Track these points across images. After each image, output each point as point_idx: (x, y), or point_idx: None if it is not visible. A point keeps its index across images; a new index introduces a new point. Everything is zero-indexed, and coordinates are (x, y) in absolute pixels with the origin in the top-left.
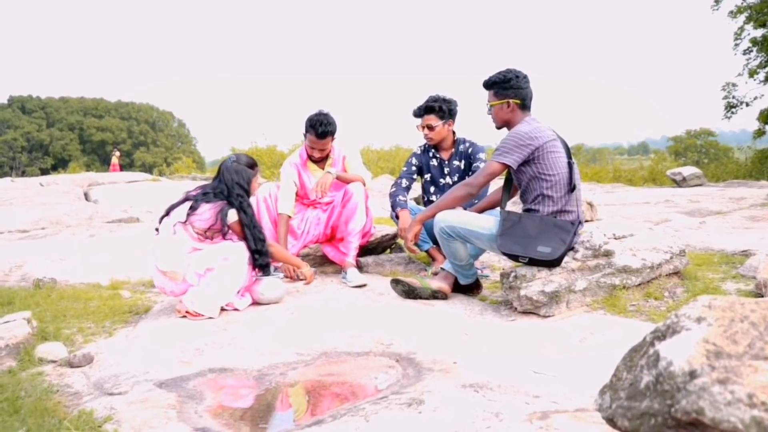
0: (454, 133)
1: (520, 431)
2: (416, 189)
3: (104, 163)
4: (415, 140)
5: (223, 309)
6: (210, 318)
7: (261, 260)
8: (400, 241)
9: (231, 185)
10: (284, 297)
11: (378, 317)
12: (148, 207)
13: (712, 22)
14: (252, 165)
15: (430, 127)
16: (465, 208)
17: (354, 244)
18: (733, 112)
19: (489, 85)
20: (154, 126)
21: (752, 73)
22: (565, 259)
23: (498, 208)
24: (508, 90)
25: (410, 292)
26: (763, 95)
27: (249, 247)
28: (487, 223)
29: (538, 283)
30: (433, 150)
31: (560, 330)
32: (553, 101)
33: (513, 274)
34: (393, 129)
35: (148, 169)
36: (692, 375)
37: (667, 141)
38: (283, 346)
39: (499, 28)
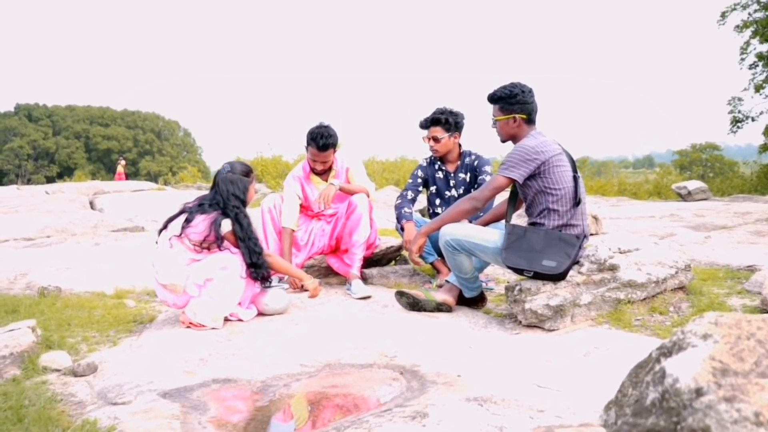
0: (460, 146)
1: None
2: (422, 201)
3: (110, 172)
4: (420, 152)
5: (227, 319)
6: (214, 328)
7: (257, 273)
8: (404, 253)
9: (226, 197)
10: (289, 308)
11: (382, 329)
12: (153, 216)
13: (719, 37)
14: (247, 173)
15: (436, 139)
16: (470, 221)
17: (358, 255)
18: (738, 127)
19: (494, 99)
20: (160, 135)
21: (758, 88)
22: (570, 272)
23: (503, 222)
24: (515, 105)
25: (415, 305)
26: None
27: (244, 260)
28: (492, 236)
29: (543, 296)
30: (438, 162)
31: (565, 344)
32: (557, 109)
33: (518, 288)
34: (398, 140)
35: (153, 178)
36: (699, 392)
37: (672, 155)
38: (287, 357)
39: (499, 28)
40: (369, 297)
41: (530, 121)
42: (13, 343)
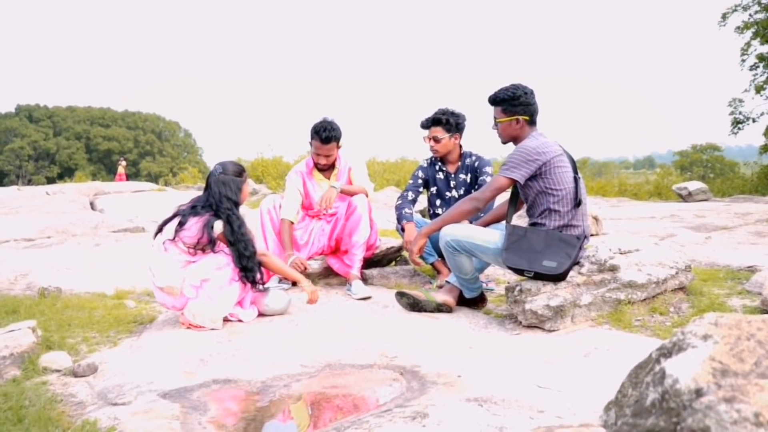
0: (461, 147)
1: None
2: (422, 202)
3: (110, 173)
4: (421, 152)
5: (228, 320)
6: (214, 329)
7: (248, 276)
8: (405, 253)
9: (219, 198)
10: (289, 308)
11: (382, 330)
12: (153, 217)
13: (719, 38)
14: (240, 172)
15: (437, 140)
16: (470, 222)
17: (358, 256)
18: (739, 128)
19: (497, 101)
20: (161, 136)
21: (759, 89)
22: (571, 273)
23: (504, 222)
24: (517, 107)
25: (415, 305)
26: None
27: (234, 263)
28: (493, 237)
29: (543, 297)
30: (439, 163)
31: (565, 344)
32: (558, 109)
33: (518, 288)
34: (399, 141)
35: (154, 178)
36: (698, 393)
37: (672, 155)
38: (287, 357)
39: (500, 28)
40: (369, 297)
41: (532, 122)
42: (14, 344)
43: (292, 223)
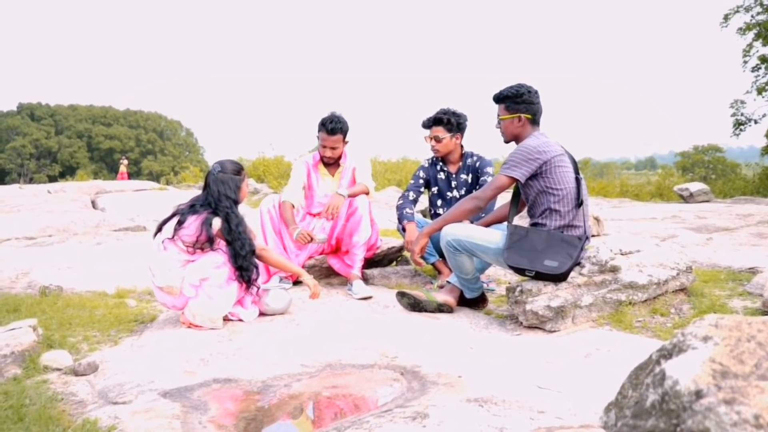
0: (462, 147)
1: None
2: (423, 202)
3: (112, 171)
4: (423, 152)
5: (228, 319)
6: (214, 329)
7: (244, 275)
8: (406, 253)
9: (218, 197)
10: (290, 308)
11: (383, 330)
12: (155, 216)
13: (721, 40)
14: (238, 171)
15: (438, 139)
16: (472, 222)
17: (359, 256)
18: (741, 130)
19: (500, 99)
20: (162, 135)
21: (760, 91)
22: (572, 274)
23: (505, 223)
24: (520, 104)
25: (416, 305)
26: None
27: (230, 261)
28: (494, 237)
29: (544, 297)
30: (440, 163)
31: (566, 345)
32: (560, 110)
33: (519, 289)
34: (400, 140)
35: (155, 177)
36: (698, 395)
37: (674, 156)
38: (287, 357)
39: (501, 28)
40: (370, 297)
41: (534, 121)
42: (14, 342)
43: (293, 206)
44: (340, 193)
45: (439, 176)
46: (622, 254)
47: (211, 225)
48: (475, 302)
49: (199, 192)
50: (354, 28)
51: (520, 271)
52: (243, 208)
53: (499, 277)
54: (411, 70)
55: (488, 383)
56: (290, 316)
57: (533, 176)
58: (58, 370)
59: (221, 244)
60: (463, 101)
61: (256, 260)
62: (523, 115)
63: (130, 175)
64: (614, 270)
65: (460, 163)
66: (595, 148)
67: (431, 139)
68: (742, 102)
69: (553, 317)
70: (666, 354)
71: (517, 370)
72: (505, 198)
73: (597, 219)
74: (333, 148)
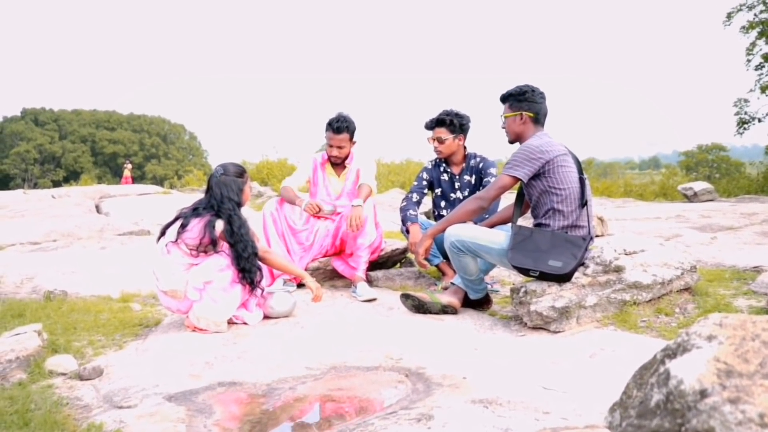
0: (465, 148)
1: None
2: (427, 203)
3: (116, 176)
4: (426, 154)
5: (233, 323)
6: (218, 332)
7: (247, 277)
8: (410, 255)
9: (220, 199)
10: (294, 311)
11: (387, 332)
12: (159, 220)
13: (725, 38)
14: (241, 173)
15: (440, 140)
16: (476, 223)
17: (363, 258)
18: (745, 128)
19: (505, 98)
20: (166, 139)
21: (764, 89)
22: (576, 274)
23: (509, 224)
24: (523, 102)
25: (420, 307)
26: None
27: (233, 264)
28: (498, 237)
29: (549, 298)
30: (444, 165)
31: (570, 346)
32: (563, 110)
33: (523, 289)
34: (404, 142)
35: (159, 181)
36: (703, 394)
37: (678, 156)
38: (292, 360)
39: (503, 29)
40: (374, 299)
41: (537, 121)
42: (19, 347)
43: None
44: (357, 204)
45: (442, 178)
46: (626, 254)
47: (214, 227)
48: (480, 303)
49: (202, 195)
50: (358, 28)
51: (524, 271)
52: (246, 211)
53: (503, 278)
54: (415, 70)
55: (493, 384)
56: (294, 319)
57: (536, 176)
58: (63, 374)
59: (224, 246)
60: (466, 101)
61: (260, 263)
62: (525, 113)
63: (134, 180)
64: (618, 270)
65: (464, 165)
66: (598, 148)
67: (434, 140)
68: (746, 101)
69: (557, 318)
70: (670, 353)
71: (522, 370)
72: (509, 199)
73: (601, 219)
74: (339, 147)
